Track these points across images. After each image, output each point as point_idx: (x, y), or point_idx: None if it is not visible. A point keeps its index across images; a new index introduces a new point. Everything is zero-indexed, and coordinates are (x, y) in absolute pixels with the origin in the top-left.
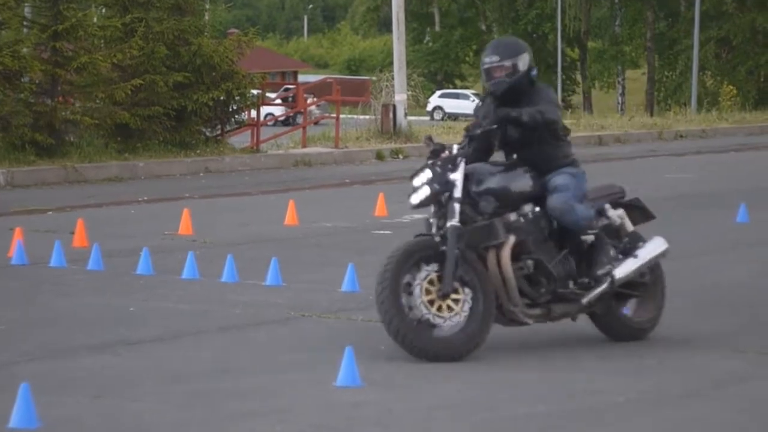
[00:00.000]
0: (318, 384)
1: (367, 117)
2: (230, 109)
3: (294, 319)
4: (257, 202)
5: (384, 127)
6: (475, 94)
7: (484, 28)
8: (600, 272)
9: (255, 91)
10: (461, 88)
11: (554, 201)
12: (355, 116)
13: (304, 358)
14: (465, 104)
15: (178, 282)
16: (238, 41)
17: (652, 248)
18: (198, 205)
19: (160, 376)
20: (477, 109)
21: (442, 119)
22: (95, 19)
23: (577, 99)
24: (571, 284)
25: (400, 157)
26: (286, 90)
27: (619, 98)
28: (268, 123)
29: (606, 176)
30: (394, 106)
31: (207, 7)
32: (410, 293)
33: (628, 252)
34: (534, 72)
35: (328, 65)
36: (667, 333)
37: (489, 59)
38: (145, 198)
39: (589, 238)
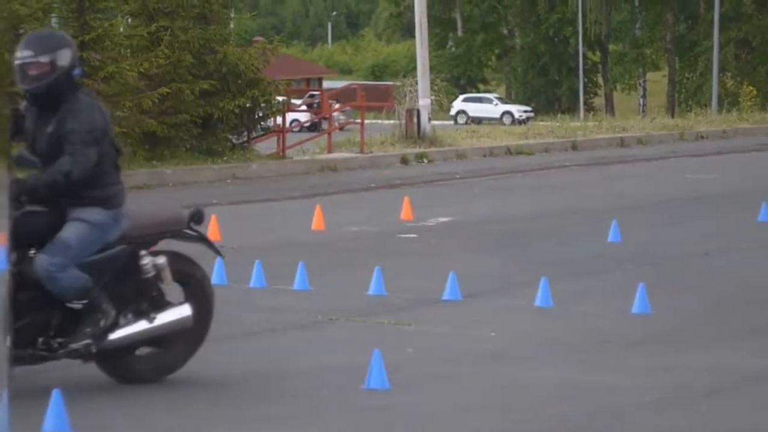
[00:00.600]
0: (346, 387)
1: (392, 122)
2: (256, 116)
3: (321, 323)
4: (284, 207)
5: (408, 131)
6: (498, 98)
7: (506, 32)
8: (74, 346)
9: (280, 98)
10: (484, 92)
11: (38, 262)
12: (380, 121)
13: (332, 362)
14: (488, 108)
15: None
16: (263, 49)
17: (171, 316)
18: (226, 211)
19: (189, 380)
20: (26, 117)
21: (466, 123)
22: (121, 29)
23: (599, 101)
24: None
25: (425, 161)
26: (311, 96)
27: (641, 100)
28: (294, 129)
29: (630, 176)
30: (418, 111)
31: (232, 15)
32: None
33: (143, 313)
34: (77, 72)
35: (352, 71)
36: (690, 332)
37: (21, 54)
38: None
39: (77, 306)
